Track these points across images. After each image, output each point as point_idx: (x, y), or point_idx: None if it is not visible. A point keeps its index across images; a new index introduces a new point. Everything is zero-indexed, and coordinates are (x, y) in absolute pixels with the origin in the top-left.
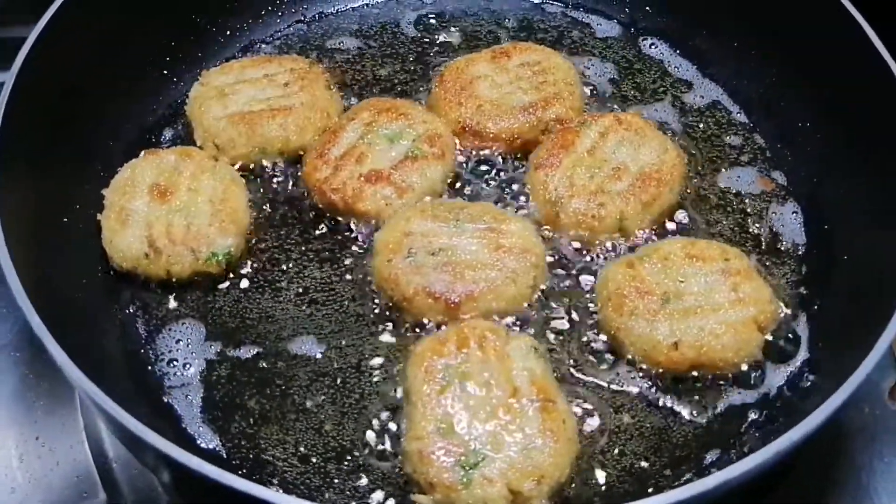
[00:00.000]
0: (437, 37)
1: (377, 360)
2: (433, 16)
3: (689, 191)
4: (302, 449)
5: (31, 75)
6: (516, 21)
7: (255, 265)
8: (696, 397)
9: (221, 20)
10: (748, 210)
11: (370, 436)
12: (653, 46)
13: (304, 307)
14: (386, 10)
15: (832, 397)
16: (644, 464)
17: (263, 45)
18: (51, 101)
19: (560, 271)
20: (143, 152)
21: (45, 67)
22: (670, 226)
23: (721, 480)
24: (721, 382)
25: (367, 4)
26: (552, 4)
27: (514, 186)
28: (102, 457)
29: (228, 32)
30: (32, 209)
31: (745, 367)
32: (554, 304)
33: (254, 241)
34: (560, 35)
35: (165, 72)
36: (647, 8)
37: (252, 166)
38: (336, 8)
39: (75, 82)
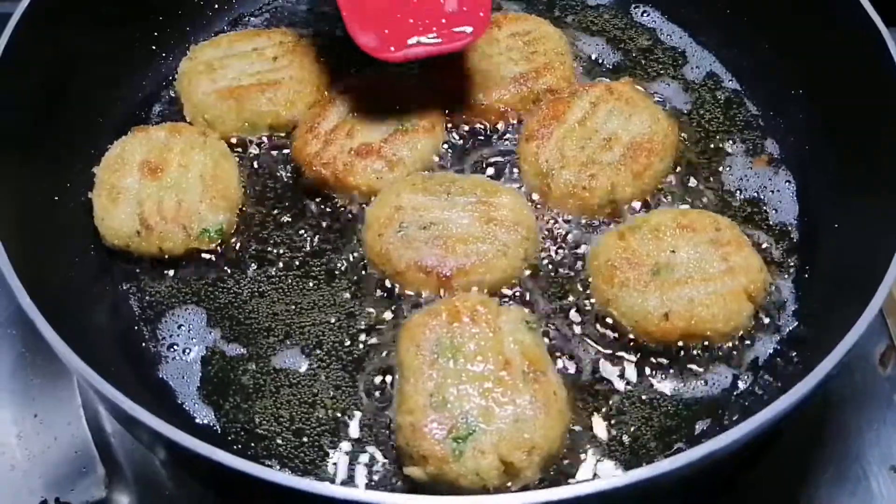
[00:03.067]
0: None
1: (369, 334)
2: None
3: (681, 160)
4: (296, 423)
5: (19, 53)
6: None
7: (246, 241)
8: (687, 367)
9: None
10: (741, 179)
11: (363, 409)
12: (645, 14)
13: (295, 282)
14: None
15: (819, 366)
16: (635, 434)
17: (252, 18)
18: (39, 80)
19: (551, 243)
20: (132, 129)
21: (32, 45)
22: (662, 195)
23: (708, 451)
24: (711, 352)
25: None
26: None
27: (506, 158)
28: (100, 432)
29: (216, 6)
30: (23, 189)
31: (735, 337)
32: (545, 276)
33: (245, 216)
34: (551, 4)
35: (153, 47)
36: None
37: (242, 141)
38: None
39: (63, 59)
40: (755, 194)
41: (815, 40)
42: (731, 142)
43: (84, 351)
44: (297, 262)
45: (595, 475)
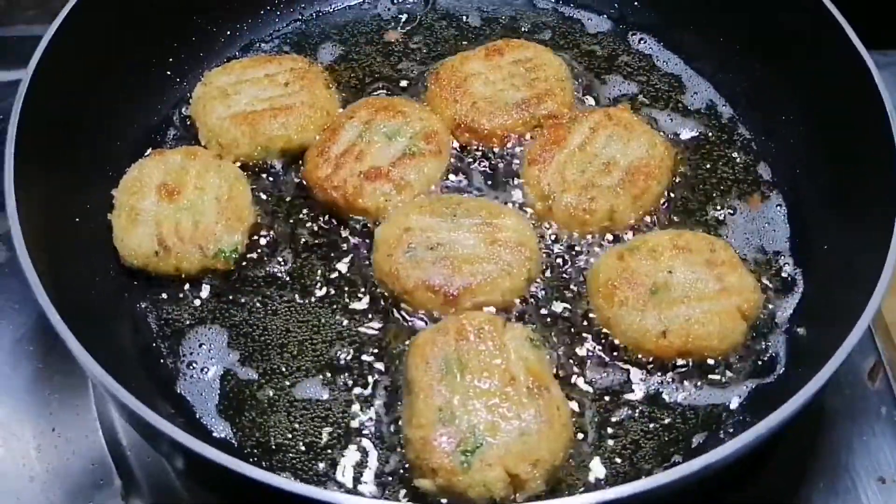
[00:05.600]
0: (431, 34)
1: (379, 351)
2: (427, 14)
3: (677, 183)
4: (309, 437)
5: (44, 80)
6: (508, 18)
7: (259, 261)
8: (684, 383)
9: (221, 20)
10: (735, 201)
11: (373, 424)
12: (642, 42)
13: (307, 301)
14: (382, 8)
15: (808, 384)
16: (635, 447)
17: (263, 45)
18: (61, 105)
19: (554, 263)
20: (149, 152)
21: (56, 71)
22: (659, 217)
23: (703, 465)
24: (707, 368)
25: (364, 3)
26: (544, 1)
27: (509, 181)
28: (116, 445)
29: (229, 32)
30: (46, 210)
31: (730, 354)
32: (548, 296)
33: (258, 237)
34: (552, 31)
35: (169, 73)
36: (636, 3)
37: (255, 164)
38: (333, 6)
39: (84, 86)
40: (749, 216)
41: (803, 66)
42: (725, 166)
43: (107, 365)
44: (308, 282)
45: (596, 487)
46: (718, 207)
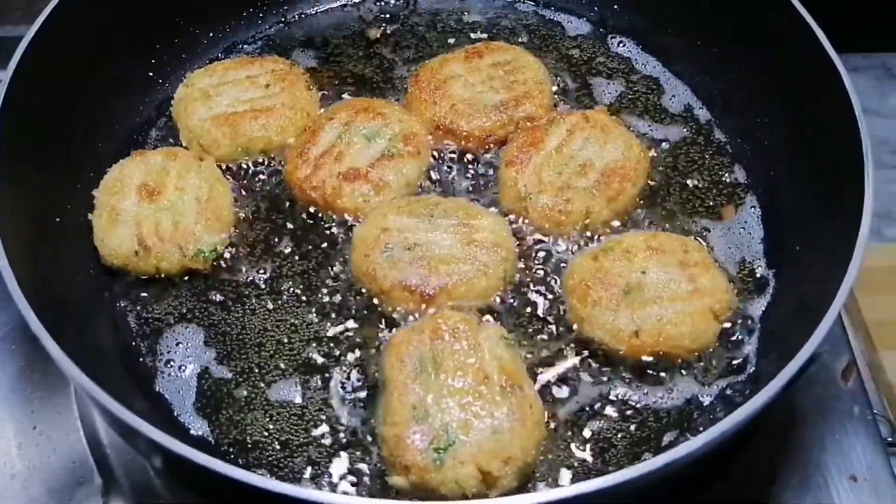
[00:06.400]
0: (412, 36)
1: (355, 350)
2: (408, 16)
3: (653, 185)
4: (286, 434)
5: (25, 80)
6: (488, 20)
7: (238, 261)
8: (656, 382)
9: (204, 22)
10: (709, 203)
11: (348, 422)
12: (621, 45)
13: (285, 300)
14: (364, 10)
15: (773, 381)
16: (607, 445)
17: (245, 46)
18: (42, 105)
19: (529, 263)
20: (131, 153)
21: (38, 72)
22: (634, 218)
23: (666, 461)
24: (679, 367)
25: (345, 5)
26: (524, 3)
27: (486, 182)
28: (97, 444)
29: (211, 34)
30: (27, 210)
31: (701, 353)
32: (523, 296)
33: (238, 237)
34: (531, 34)
35: (151, 74)
36: (616, 6)
37: (236, 165)
38: (316, 9)
39: (65, 86)
40: (724, 218)
41: (778, 70)
42: (701, 168)
43: (86, 365)
44: (286, 282)
45: (568, 484)
46: (693, 211)
